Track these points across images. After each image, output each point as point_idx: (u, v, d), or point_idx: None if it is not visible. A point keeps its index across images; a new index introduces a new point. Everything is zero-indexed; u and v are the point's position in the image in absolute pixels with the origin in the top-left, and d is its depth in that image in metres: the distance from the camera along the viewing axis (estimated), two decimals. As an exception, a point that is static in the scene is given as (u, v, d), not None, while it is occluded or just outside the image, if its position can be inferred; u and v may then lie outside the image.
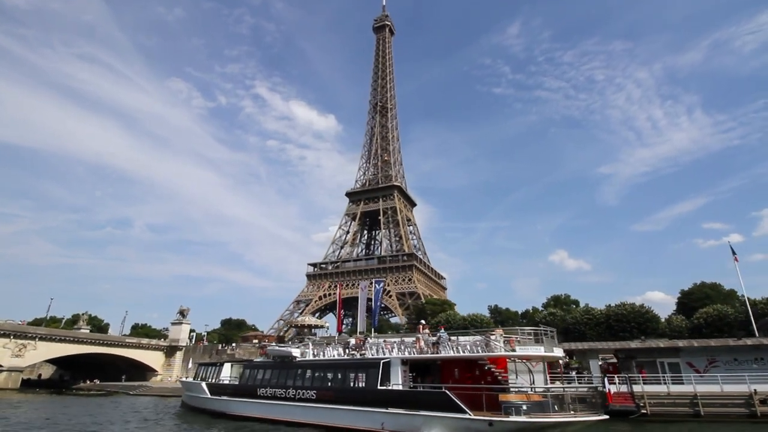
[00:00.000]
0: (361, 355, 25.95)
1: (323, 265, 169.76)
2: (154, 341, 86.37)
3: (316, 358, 28.88)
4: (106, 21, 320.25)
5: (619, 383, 27.03)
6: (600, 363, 30.69)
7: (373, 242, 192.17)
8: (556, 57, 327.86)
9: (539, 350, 20.69)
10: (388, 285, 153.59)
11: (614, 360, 32.48)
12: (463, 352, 22.89)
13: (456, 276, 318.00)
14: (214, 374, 34.80)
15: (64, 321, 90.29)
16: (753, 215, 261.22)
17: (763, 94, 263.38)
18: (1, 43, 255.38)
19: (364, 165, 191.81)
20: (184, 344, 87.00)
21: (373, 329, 49.48)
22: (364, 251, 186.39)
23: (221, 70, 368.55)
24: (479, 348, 22.47)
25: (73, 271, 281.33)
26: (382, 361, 23.52)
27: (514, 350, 20.51)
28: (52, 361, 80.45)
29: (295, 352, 29.34)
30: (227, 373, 34.37)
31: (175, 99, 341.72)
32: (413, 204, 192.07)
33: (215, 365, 35.84)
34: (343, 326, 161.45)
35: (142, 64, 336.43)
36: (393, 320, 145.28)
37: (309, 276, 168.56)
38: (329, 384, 25.45)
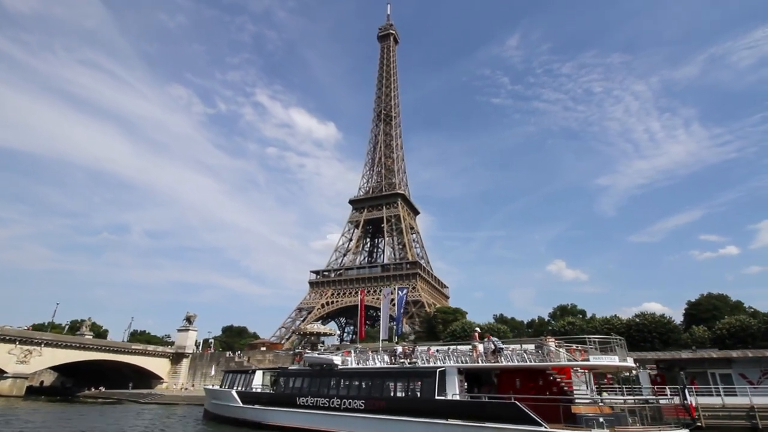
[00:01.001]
0: (410, 363, 25.10)
1: (326, 273, 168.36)
2: (160, 348, 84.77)
3: (360, 366, 28.00)
4: (108, 27, 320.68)
5: (671, 395, 26.28)
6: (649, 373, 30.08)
7: (375, 250, 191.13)
8: (554, 69, 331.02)
9: (613, 360, 19.96)
10: (392, 293, 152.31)
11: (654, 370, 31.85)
12: (518, 361, 22.18)
13: (453, 285, 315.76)
14: (245, 382, 33.66)
15: (66, 327, 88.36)
16: (749, 228, 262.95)
17: (760, 108, 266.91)
18: (2, 48, 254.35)
19: (368, 173, 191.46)
20: (191, 351, 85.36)
21: (395, 337, 48.53)
22: (366, 259, 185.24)
23: (222, 77, 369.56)
24: (537, 357, 21.79)
25: (67, 277, 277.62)
26: (438, 370, 22.71)
27: (587, 359, 19.80)
28: (53, 368, 78.68)
29: (337, 359, 28.41)
30: (259, 381, 33.22)
31: (175, 105, 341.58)
32: (416, 212, 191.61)
33: (246, 372, 34.66)
34: (345, 334, 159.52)
35: (143, 70, 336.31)
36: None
37: (311, 283, 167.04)
38: (380, 393, 24.53)
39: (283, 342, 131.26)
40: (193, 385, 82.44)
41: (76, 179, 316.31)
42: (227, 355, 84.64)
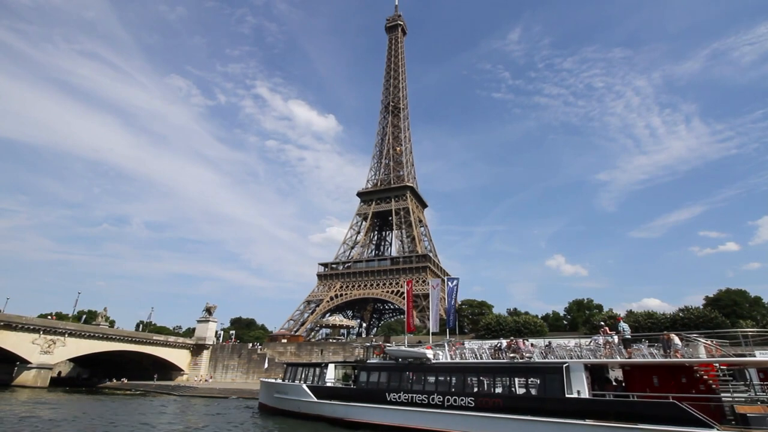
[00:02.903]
0: (524, 358, 23.61)
1: (334, 265, 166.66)
2: (180, 339, 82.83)
3: (454, 360, 26.51)
4: (108, 18, 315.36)
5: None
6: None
7: (383, 243, 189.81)
8: (555, 63, 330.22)
9: (778, 356, 18.67)
10: (402, 286, 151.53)
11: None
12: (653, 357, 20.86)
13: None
14: (317, 376, 32.08)
15: (83, 318, 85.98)
16: (749, 224, 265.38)
17: (761, 104, 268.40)
18: (2, 38, 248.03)
19: (376, 165, 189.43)
20: (211, 343, 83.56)
21: (447, 330, 46.94)
22: (373, 252, 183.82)
23: (222, 70, 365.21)
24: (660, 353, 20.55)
25: (67, 268, 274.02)
26: (564, 366, 21.28)
27: (752, 355, 18.47)
28: (70, 359, 76.57)
29: (429, 353, 26.87)
30: (332, 375, 31.72)
31: (174, 96, 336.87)
32: (424, 205, 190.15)
33: (315, 366, 33.00)
34: (353, 328, 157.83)
35: (143, 62, 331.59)
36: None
37: (320, 276, 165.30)
38: (493, 390, 23.08)
39: (304, 334, 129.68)
40: (211, 377, 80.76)
41: (76, 170, 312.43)
42: (249, 347, 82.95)
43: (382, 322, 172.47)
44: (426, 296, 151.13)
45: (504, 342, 25.71)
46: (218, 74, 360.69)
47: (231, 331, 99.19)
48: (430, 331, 46.71)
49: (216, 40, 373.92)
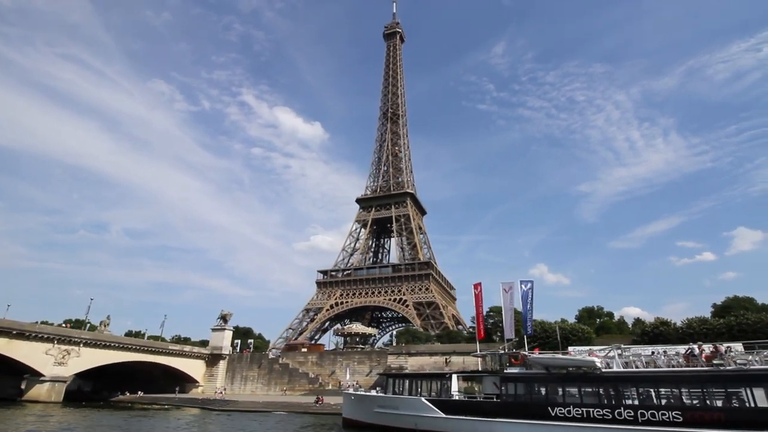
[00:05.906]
0: (730, 365, 20.97)
1: (334, 273, 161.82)
2: (196, 349, 76.95)
3: (629, 369, 23.65)
4: (93, 23, 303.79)
5: None
6: None
7: (381, 250, 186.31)
8: (538, 77, 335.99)
9: None
10: (404, 294, 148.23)
11: None
12: None
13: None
14: (439, 388, 28.56)
15: (88, 326, 78.70)
16: (725, 235, 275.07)
17: (734, 120, 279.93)
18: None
19: (375, 172, 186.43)
20: (228, 352, 77.98)
21: (525, 338, 43.99)
22: (372, 259, 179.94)
23: (208, 76, 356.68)
24: None
25: (44, 275, 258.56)
26: None
27: None
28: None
29: (598, 361, 23.87)
30: (456, 387, 28.27)
31: (157, 101, 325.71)
32: (423, 212, 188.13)
33: (440, 377, 29.46)
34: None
35: (126, 67, 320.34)
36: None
37: (319, 284, 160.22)
38: (705, 403, 20.31)
39: (320, 343, 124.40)
40: (225, 389, 74.99)
41: (55, 175, 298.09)
42: (269, 357, 77.89)
43: (385, 332, 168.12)
44: (429, 304, 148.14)
45: (696, 348, 23.04)
46: (203, 81, 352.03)
47: (249, 340, 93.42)
48: (505, 337, 43.63)
49: (202, 47, 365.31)
